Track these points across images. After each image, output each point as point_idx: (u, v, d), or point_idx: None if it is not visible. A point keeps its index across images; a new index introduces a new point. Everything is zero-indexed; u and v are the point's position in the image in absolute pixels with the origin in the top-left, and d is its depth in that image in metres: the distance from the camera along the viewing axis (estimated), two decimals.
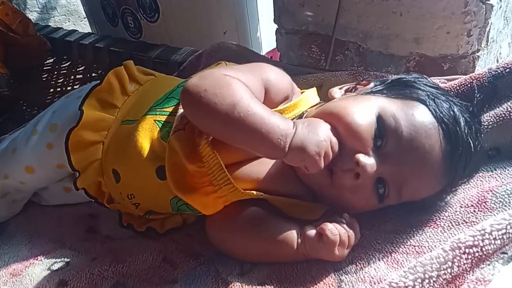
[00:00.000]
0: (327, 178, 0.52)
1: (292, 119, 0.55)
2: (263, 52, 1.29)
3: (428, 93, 0.55)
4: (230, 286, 0.50)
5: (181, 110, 0.56)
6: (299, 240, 0.50)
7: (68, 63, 1.20)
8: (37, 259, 0.60)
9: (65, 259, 0.59)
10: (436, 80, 0.72)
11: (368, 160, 0.50)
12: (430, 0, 0.80)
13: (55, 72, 1.19)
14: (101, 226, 0.66)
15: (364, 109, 0.53)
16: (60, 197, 0.72)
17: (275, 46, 1.23)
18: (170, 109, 0.59)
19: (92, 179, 0.61)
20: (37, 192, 0.73)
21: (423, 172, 0.51)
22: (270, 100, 0.56)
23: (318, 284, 0.48)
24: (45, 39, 1.19)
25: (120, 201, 0.62)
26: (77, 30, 1.28)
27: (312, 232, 0.50)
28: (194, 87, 0.49)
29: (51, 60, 1.22)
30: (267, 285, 0.49)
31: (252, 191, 0.54)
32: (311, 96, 0.62)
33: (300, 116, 0.57)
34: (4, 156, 0.67)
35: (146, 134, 0.57)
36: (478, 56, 0.83)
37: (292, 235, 0.51)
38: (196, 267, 0.54)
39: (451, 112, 0.53)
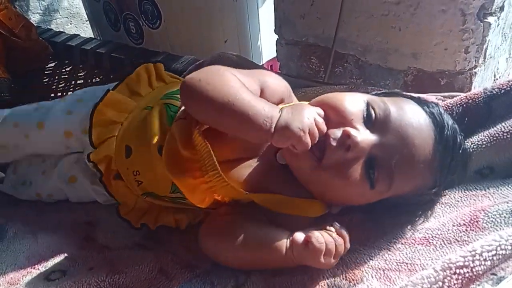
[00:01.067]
0: (316, 160, 0.53)
1: None
2: (263, 61, 1.30)
3: (413, 97, 0.60)
4: None
5: None
6: (288, 246, 0.51)
7: (69, 67, 1.21)
8: (34, 268, 0.60)
9: (62, 269, 0.60)
10: (433, 96, 0.74)
11: (357, 133, 0.52)
12: (428, 16, 0.81)
13: (56, 77, 1.20)
14: (98, 234, 0.66)
15: (353, 96, 0.57)
16: (63, 188, 0.73)
17: (275, 55, 1.25)
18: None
19: (105, 153, 0.65)
20: (40, 183, 0.75)
21: (412, 152, 0.52)
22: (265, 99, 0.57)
23: None
24: (47, 44, 1.20)
25: (125, 176, 0.65)
26: (79, 35, 1.29)
27: (300, 238, 0.50)
28: (190, 78, 0.55)
29: (52, 64, 1.23)
30: None
31: (237, 189, 0.55)
32: None
33: None
34: (24, 110, 0.74)
35: (157, 115, 0.63)
36: (475, 73, 0.84)
37: (282, 239, 0.52)
38: (191, 279, 0.55)
39: (438, 109, 0.57)
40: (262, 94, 0.57)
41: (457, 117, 0.63)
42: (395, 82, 0.91)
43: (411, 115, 0.54)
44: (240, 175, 0.57)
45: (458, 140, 0.56)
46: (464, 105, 0.65)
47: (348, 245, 0.52)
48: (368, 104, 0.54)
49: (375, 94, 0.62)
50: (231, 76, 0.54)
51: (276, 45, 1.08)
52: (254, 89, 0.56)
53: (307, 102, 0.59)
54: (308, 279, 0.51)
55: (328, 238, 0.50)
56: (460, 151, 0.56)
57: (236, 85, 0.52)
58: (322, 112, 0.53)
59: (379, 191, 0.54)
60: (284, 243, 0.52)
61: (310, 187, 0.56)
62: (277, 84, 0.60)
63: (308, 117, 0.50)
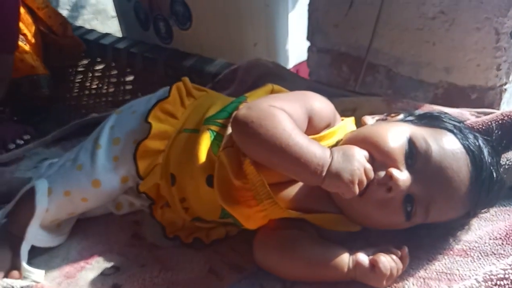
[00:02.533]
0: (358, 195, 0.54)
1: (329, 146, 0.59)
2: (290, 65, 1.32)
3: (454, 125, 0.60)
4: None
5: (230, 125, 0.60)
6: (350, 266, 0.54)
7: (102, 66, 1.25)
8: (87, 263, 0.64)
9: (116, 264, 0.63)
10: (467, 112, 0.76)
11: (400, 175, 0.54)
12: (463, 33, 0.84)
13: (90, 74, 1.24)
14: (146, 233, 0.69)
15: (396, 132, 0.58)
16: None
17: (302, 60, 1.27)
18: (221, 121, 0.65)
19: (152, 182, 0.65)
20: None
21: (450, 192, 0.55)
22: (313, 127, 0.61)
23: None
24: (81, 41, 1.24)
25: (172, 204, 0.66)
26: (110, 34, 1.32)
27: (365, 260, 0.54)
28: (242, 117, 0.55)
29: (85, 62, 1.27)
30: None
31: (292, 211, 0.58)
32: (348, 124, 0.66)
33: (336, 144, 0.61)
34: (65, 173, 0.66)
35: (202, 143, 0.63)
36: (506, 89, 0.86)
37: (344, 260, 0.55)
38: (241, 280, 0.58)
39: (476, 142, 0.58)
40: (310, 122, 0.59)
41: (494, 134, 0.65)
42: (425, 94, 0.93)
43: (452, 157, 0.55)
44: (289, 196, 0.59)
45: (495, 177, 0.57)
46: (500, 122, 0.67)
47: (405, 268, 0.55)
48: (410, 142, 0.56)
49: (417, 118, 0.63)
50: (282, 117, 0.55)
51: (307, 52, 1.10)
52: (302, 120, 0.58)
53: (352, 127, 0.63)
54: (353, 284, 0.55)
55: (392, 263, 0.53)
56: (496, 186, 0.58)
57: (288, 128, 0.54)
58: (367, 154, 0.55)
59: (414, 223, 0.57)
60: (345, 261, 0.54)
61: (349, 214, 0.59)
62: (323, 108, 0.62)
63: (358, 167, 0.52)
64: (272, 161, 0.55)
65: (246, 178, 0.57)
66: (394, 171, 0.54)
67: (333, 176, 0.52)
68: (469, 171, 0.55)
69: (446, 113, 0.64)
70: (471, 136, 0.58)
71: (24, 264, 0.61)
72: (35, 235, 0.64)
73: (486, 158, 0.57)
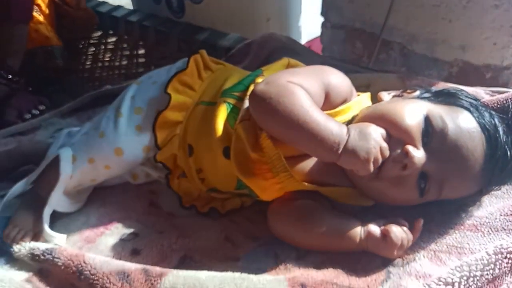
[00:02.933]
0: (374, 173, 0.56)
1: (345, 121, 0.60)
2: (303, 41, 1.31)
3: (471, 103, 0.60)
4: (288, 267, 0.55)
5: (247, 99, 0.62)
6: (362, 236, 0.56)
7: (115, 38, 1.24)
8: (107, 229, 0.65)
9: (134, 231, 0.65)
10: (481, 90, 0.76)
11: (416, 152, 0.55)
12: (480, 10, 0.83)
13: (102, 47, 1.24)
14: (162, 202, 0.71)
15: (412, 109, 0.58)
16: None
17: (314, 36, 1.27)
18: (238, 94, 0.66)
19: (170, 152, 0.67)
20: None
21: (464, 171, 0.56)
22: (329, 102, 0.61)
23: (369, 273, 0.54)
24: (94, 13, 1.23)
25: (189, 175, 0.68)
26: (122, 6, 1.31)
27: (376, 231, 0.55)
28: (261, 93, 0.56)
29: (97, 34, 1.26)
30: (321, 269, 0.55)
31: (307, 183, 0.59)
32: (364, 100, 0.67)
33: (352, 119, 0.62)
34: (88, 141, 0.67)
35: (218, 115, 0.64)
36: None
37: (356, 230, 0.56)
38: (256, 248, 0.60)
39: (492, 121, 0.58)
40: (326, 97, 0.60)
41: (510, 112, 0.66)
42: (439, 73, 0.93)
43: (468, 135, 0.55)
44: (305, 169, 0.60)
45: (509, 155, 0.58)
46: None
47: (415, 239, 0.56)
48: (426, 120, 0.56)
49: (433, 95, 0.62)
50: (300, 94, 0.55)
51: (321, 27, 1.10)
52: (319, 96, 0.58)
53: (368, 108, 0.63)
54: (364, 254, 0.56)
55: (403, 234, 0.55)
56: (510, 165, 0.58)
57: (306, 105, 0.54)
58: (384, 133, 0.56)
59: (427, 199, 0.58)
60: (357, 232, 0.56)
61: (363, 190, 0.61)
62: (340, 83, 0.62)
63: (374, 145, 0.53)
64: (289, 137, 0.56)
65: (263, 151, 0.58)
66: (410, 148, 0.54)
67: (349, 154, 0.53)
68: (484, 150, 0.56)
69: (462, 90, 0.65)
70: (487, 115, 0.58)
71: (46, 228, 0.63)
72: (57, 200, 0.66)
73: (501, 137, 0.57)
